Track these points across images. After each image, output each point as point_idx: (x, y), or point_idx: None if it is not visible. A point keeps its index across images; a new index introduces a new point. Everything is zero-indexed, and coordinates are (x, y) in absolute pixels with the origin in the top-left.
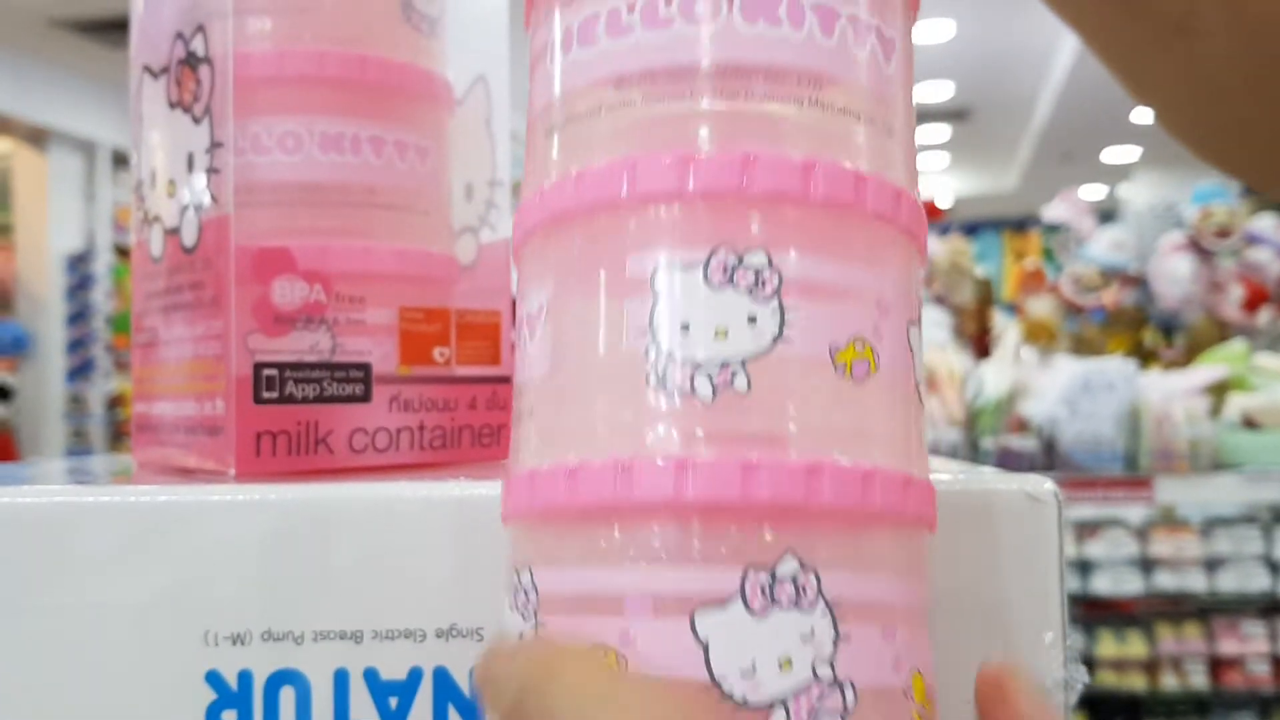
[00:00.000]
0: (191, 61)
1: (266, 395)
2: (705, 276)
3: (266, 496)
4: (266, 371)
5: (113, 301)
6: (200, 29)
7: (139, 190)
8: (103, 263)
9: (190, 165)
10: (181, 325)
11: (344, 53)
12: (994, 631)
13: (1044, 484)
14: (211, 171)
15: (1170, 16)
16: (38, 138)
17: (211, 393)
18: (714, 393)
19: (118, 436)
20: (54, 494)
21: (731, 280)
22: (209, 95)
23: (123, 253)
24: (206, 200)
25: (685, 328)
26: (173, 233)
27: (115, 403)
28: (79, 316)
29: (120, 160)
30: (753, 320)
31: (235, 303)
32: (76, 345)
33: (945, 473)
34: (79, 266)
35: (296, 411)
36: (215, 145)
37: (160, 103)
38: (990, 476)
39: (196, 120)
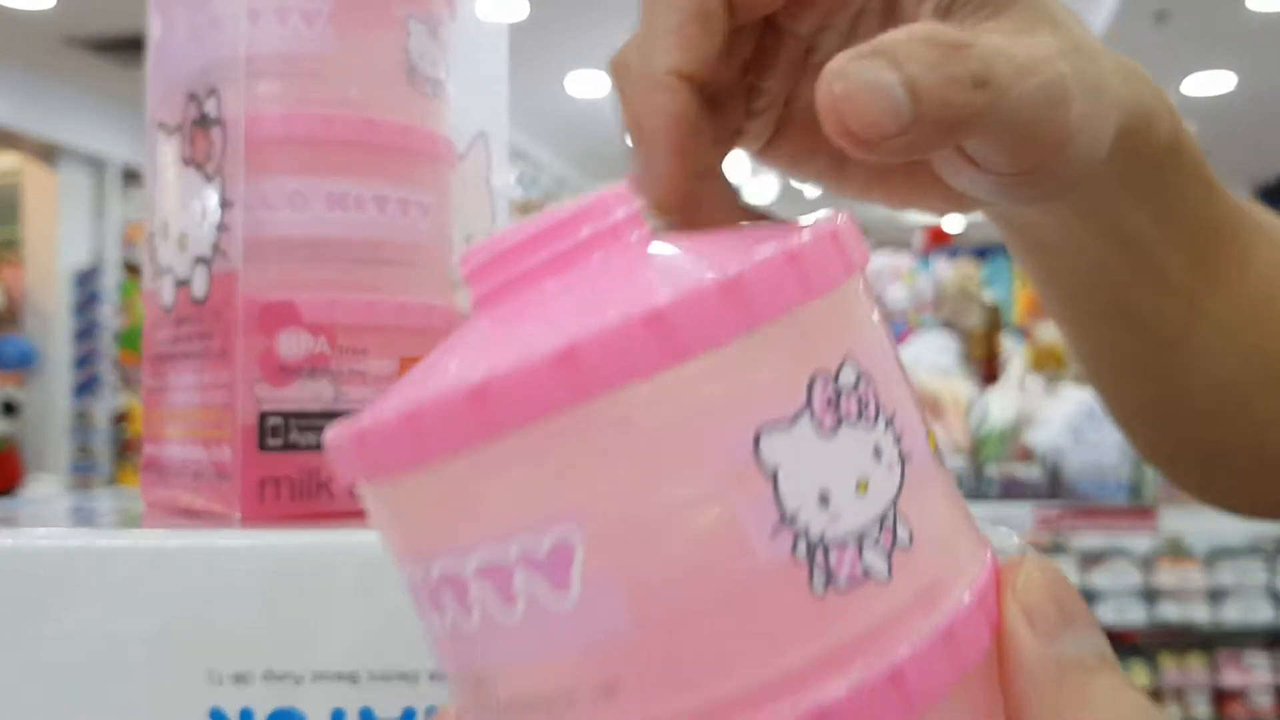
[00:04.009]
0: (204, 123)
1: (271, 443)
2: (815, 421)
3: (270, 541)
4: (271, 420)
5: (120, 318)
6: (214, 92)
7: (151, 241)
8: (111, 279)
9: (202, 221)
10: (190, 373)
11: (351, 115)
12: None
13: (1010, 538)
14: (222, 228)
15: (1164, 334)
16: (48, 154)
17: (219, 439)
18: (889, 564)
19: (123, 453)
20: (67, 536)
21: (840, 413)
22: (221, 155)
23: (131, 269)
24: (216, 255)
25: (825, 498)
26: (183, 284)
27: (121, 419)
28: (86, 332)
29: (130, 177)
30: (878, 453)
31: (242, 354)
32: (83, 361)
33: None
34: (87, 283)
35: (299, 458)
36: (226, 203)
37: (173, 159)
38: None
39: (209, 178)
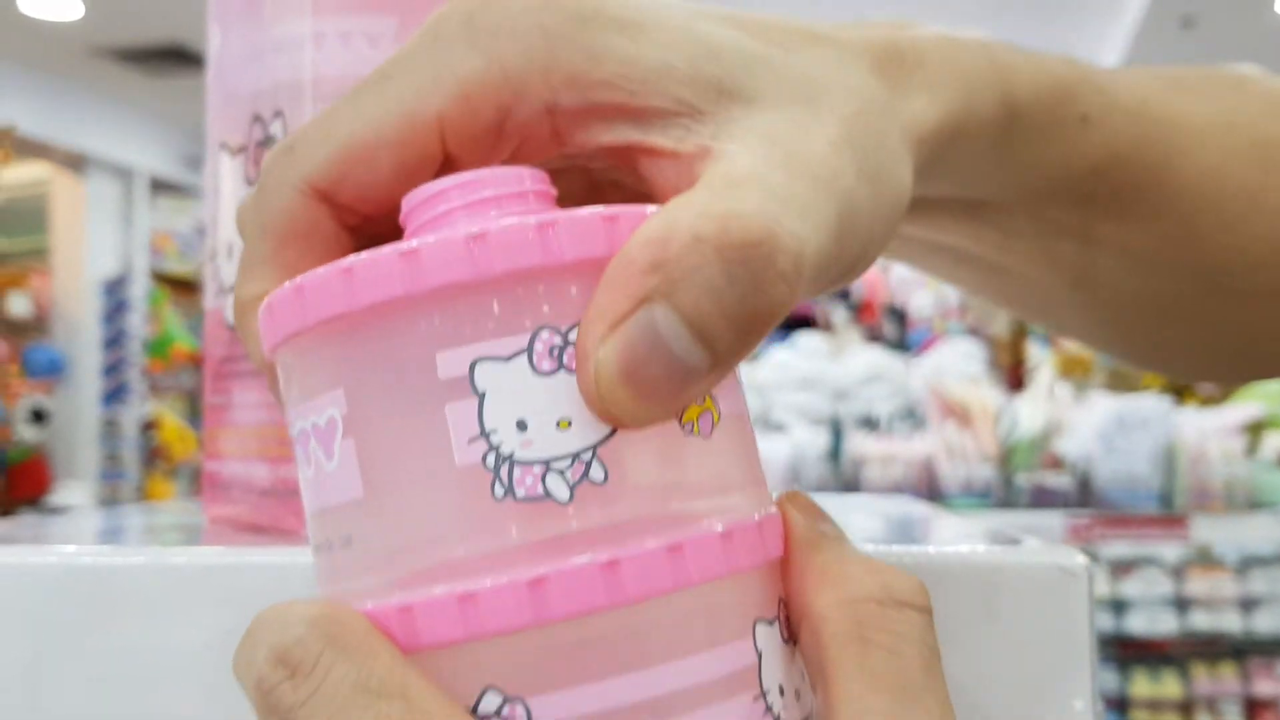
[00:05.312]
0: (269, 144)
1: None
2: (532, 364)
3: None
4: None
5: (148, 326)
6: (279, 114)
7: (214, 260)
8: (139, 288)
9: None
10: (254, 391)
11: None
12: (1023, 698)
13: (1075, 556)
14: None
15: (1068, 274)
16: (76, 163)
17: (284, 457)
18: (570, 492)
19: (150, 461)
20: (136, 553)
21: (561, 363)
22: None
23: (159, 278)
24: None
25: (522, 425)
26: None
27: (149, 427)
28: (114, 341)
29: (157, 187)
30: None
31: None
32: (112, 369)
33: (976, 543)
34: (115, 291)
35: None
36: None
37: (237, 180)
38: (1021, 550)
39: None
